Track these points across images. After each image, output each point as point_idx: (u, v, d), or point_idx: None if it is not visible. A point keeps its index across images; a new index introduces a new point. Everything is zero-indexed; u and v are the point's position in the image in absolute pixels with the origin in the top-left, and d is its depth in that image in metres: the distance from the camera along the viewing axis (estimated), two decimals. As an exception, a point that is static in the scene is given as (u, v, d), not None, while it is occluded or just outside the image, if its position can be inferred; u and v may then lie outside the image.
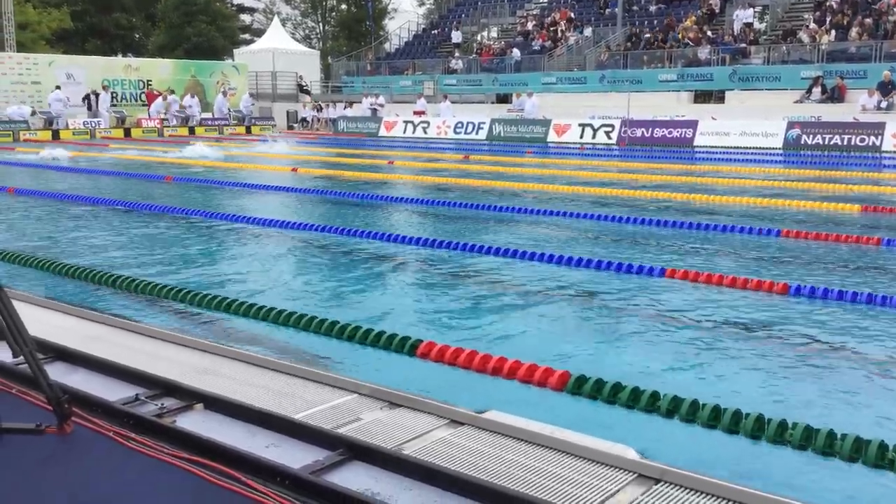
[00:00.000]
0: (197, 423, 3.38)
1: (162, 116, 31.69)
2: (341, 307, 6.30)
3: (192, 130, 31.57)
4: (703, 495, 2.75)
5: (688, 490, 2.78)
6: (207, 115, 33.32)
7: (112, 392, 3.69)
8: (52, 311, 5.31)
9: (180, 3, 46.91)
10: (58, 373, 3.85)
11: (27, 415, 3.31)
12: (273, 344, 5.23)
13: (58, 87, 29.71)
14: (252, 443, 3.19)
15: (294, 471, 2.86)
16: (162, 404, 3.55)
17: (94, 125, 29.72)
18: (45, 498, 2.78)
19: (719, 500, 2.72)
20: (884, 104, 22.53)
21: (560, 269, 7.49)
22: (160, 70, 35.40)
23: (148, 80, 34.37)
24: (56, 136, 28.47)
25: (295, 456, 3.06)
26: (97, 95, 30.86)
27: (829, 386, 4.60)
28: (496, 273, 7.40)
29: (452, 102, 31.49)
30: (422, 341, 4.94)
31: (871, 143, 20.72)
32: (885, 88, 22.71)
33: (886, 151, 20.26)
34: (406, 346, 4.95)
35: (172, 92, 32.97)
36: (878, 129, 20.78)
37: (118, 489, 2.83)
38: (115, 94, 32.49)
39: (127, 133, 30.14)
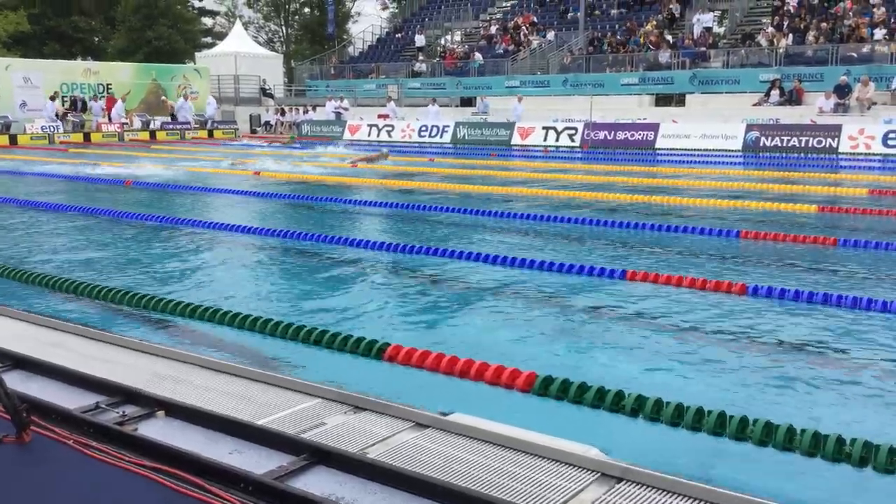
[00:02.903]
0: (159, 430, 3.35)
1: (123, 121, 31.24)
2: (306, 311, 6.26)
3: (153, 135, 31.17)
4: (666, 493, 2.78)
5: (650, 488, 2.81)
6: (166, 118, 32.94)
7: (71, 400, 3.64)
8: (9, 318, 5.21)
9: (140, 6, 46.31)
10: (15, 381, 3.79)
11: (-16, 425, 3.25)
12: (236, 349, 5.19)
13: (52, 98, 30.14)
14: (215, 449, 3.16)
15: (258, 477, 2.84)
16: (123, 412, 3.51)
17: (52, 130, 29.22)
18: (3, 509, 2.73)
19: (682, 497, 2.75)
20: (840, 107, 22.98)
21: (523, 271, 7.53)
22: (120, 74, 34.90)
23: (108, 84, 33.88)
24: (13, 141, 27.95)
25: (259, 462, 3.05)
26: (83, 101, 31.28)
27: (787, 383, 4.68)
28: (461, 276, 7.41)
29: (416, 106, 31.55)
30: (389, 345, 4.93)
31: (827, 145, 21.13)
32: (841, 91, 23.16)
33: (843, 153, 20.67)
34: (373, 350, 4.93)
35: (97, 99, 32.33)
36: (834, 131, 21.20)
37: (79, 498, 2.79)
38: (81, 101, 31.88)
39: (87, 138, 29.68)
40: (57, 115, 29.72)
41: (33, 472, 2.98)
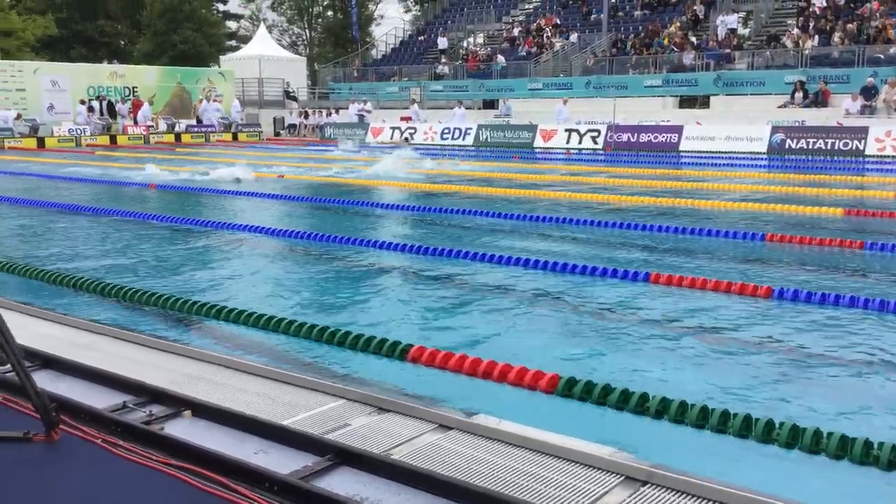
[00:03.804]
0: (185, 429, 3.38)
1: (149, 123, 31.53)
2: (331, 312, 6.29)
3: (178, 137, 31.43)
4: (691, 497, 2.76)
5: (675, 492, 2.80)
6: (191, 121, 33.19)
7: (100, 399, 3.68)
8: (39, 318, 5.28)
9: (166, 10, 46.76)
10: (45, 380, 3.84)
11: (14, 423, 3.29)
12: (261, 350, 5.23)
13: (82, 102, 30.70)
14: (241, 449, 3.18)
15: (283, 476, 2.86)
16: (150, 411, 3.55)
17: (79, 132, 29.56)
18: (33, 506, 2.77)
19: (707, 501, 2.73)
20: (867, 109, 22.72)
21: (546, 273, 7.51)
22: (146, 77, 35.25)
23: (134, 87, 34.23)
24: (41, 143, 28.30)
25: (284, 462, 3.07)
26: (106, 103, 31.85)
27: (813, 386, 4.64)
28: (484, 278, 7.41)
29: (438, 109, 31.58)
30: (412, 346, 4.94)
31: (854, 148, 20.90)
32: (868, 93, 22.90)
33: (869, 155, 20.43)
34: (397, 351, 4.95)
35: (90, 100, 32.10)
36: (861, 133, 20.96)
37: (106, 497, 2.82)
38: (107, 101, 32.15)
39: (113, 140, 29.99)
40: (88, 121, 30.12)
41: (61, 469, 3.02)
